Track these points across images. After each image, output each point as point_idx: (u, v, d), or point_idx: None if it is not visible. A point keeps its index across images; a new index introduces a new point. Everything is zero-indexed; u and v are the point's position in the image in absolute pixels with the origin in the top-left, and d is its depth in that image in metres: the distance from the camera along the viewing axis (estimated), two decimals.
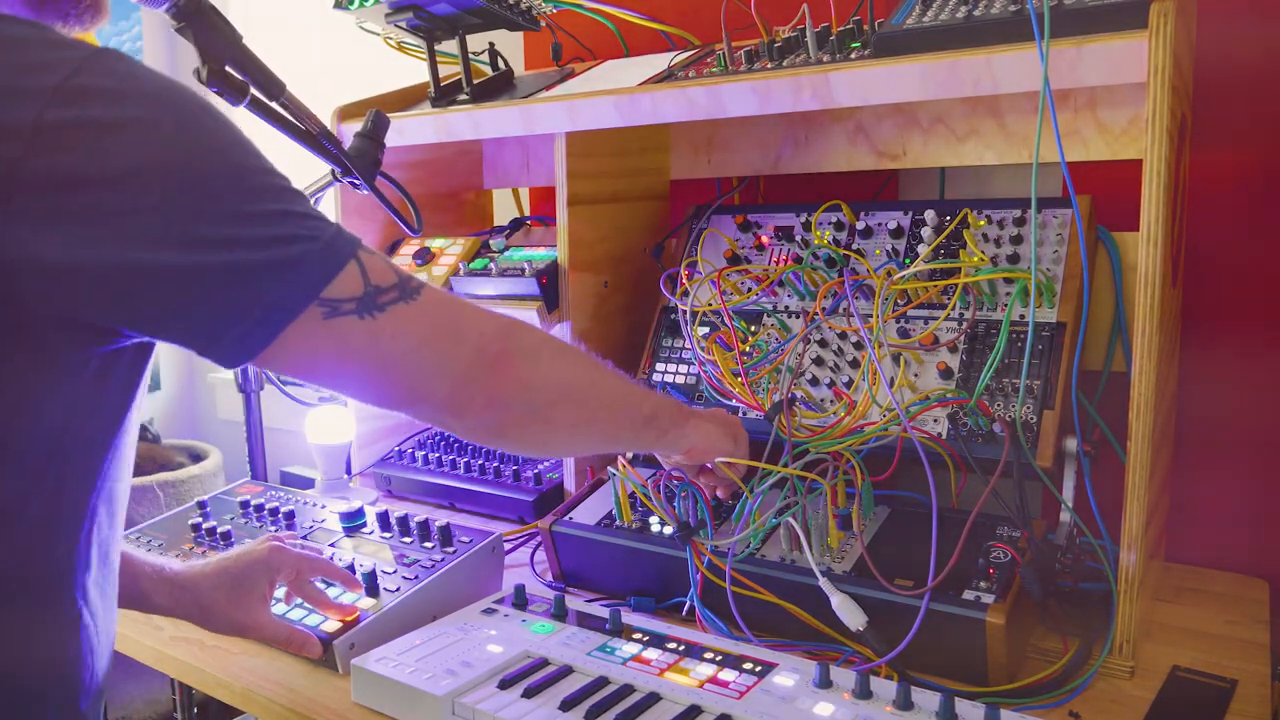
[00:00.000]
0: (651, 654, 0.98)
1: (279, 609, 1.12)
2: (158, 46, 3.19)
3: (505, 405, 0.84)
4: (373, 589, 1.12)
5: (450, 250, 1.61)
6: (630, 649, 0.99)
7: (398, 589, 1.12)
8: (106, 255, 0.66)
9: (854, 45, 1.18)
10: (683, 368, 1.38)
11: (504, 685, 0.93)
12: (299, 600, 1.12)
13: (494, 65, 1.62)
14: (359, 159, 1.29)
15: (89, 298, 0.68)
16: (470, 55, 1.54)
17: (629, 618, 1.06)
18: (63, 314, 0.68)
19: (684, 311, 1.31)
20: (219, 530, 1.31)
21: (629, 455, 1.36)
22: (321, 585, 1.13)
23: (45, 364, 0.70)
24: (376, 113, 1.33)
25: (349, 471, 1.69)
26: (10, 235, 0.63)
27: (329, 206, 1.56)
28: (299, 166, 1.42)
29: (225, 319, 0.71)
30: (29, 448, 0.72)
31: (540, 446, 1.01)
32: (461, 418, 0.83)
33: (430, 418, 0.85)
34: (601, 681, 0.94)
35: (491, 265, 1.50)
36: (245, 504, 1.42)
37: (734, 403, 1.25)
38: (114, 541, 0.83)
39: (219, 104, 0.82)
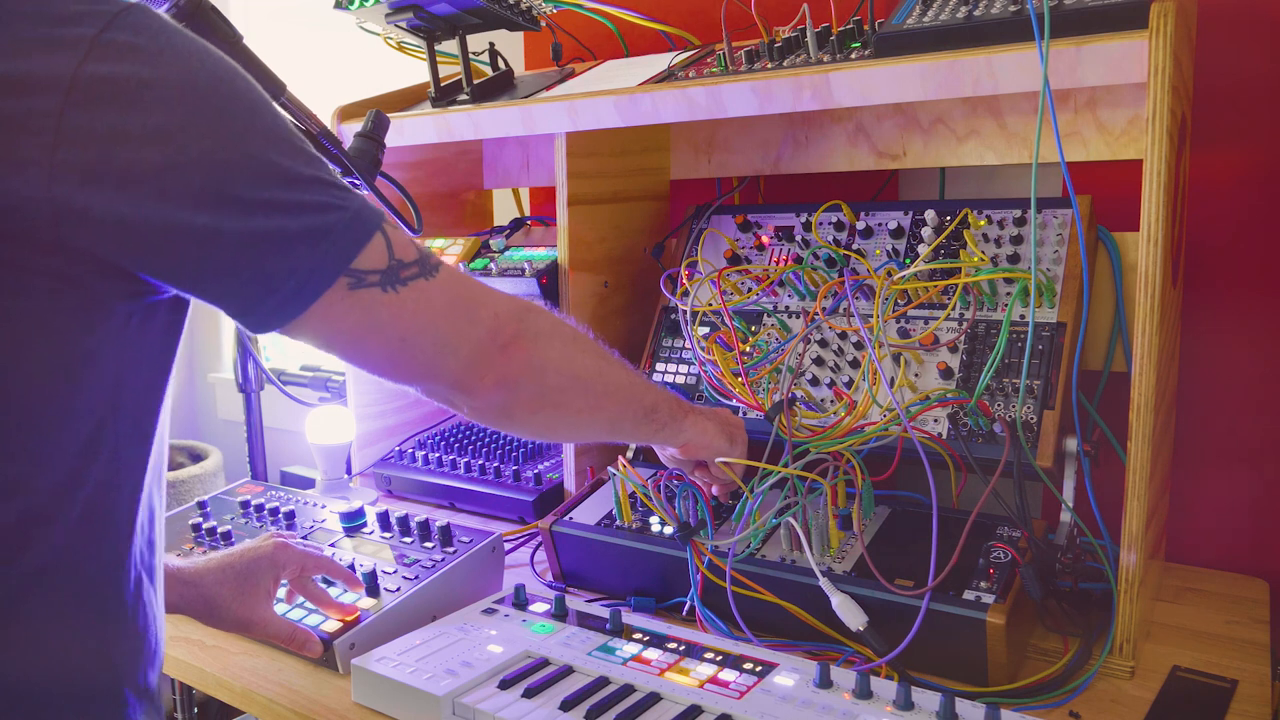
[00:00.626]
0: (652, 654, 0.98)
1: (279, 609, 1.12)
2: None
3: (516, 386, 0.85)
4: (373, 589, 1.12)
5: (450, 250, 1.61)
6: (630, 649, 0.99)
7: (398, 589, 1.12)
8: (147, 213, 0.66)
9: (854, 45, 1.18)
10: (683, 368, 1.38)
11: (504, 685, 0.93)
12: (300, 600, 1.12)
13: (494, 65, 1.62)
14: (359, 159, 1.29)
15: (131, 250, 0.68)
16: (470, 55, 1.54)
17: (629, 618, 1.06)
18: (109, 263, 0.69)
19: (684, 311, 1.31)
20: (219, 530, 1.31)
21: (629, 454, 1.36)
22: (323, 585, 1.13)
23: (95, 312, 0.71)
24: (376, 112, 1.33)
25: (349, 471, 1.69)
26: (57, 186, 0.64)
27: None
28: None
29: (262, 286, 0.71)
30: (88, 403, 0.72)
31: (546, 430, 1.00)
32: (471, 396, 0.83)
33: (441, 395, 0.85)
34: (602, 681, 0.94)
35: (491, 265, 1.51)
36: (245, 504, 1.42)
37: (734, 403, 1.25)
38: (161, 512, 0.83)
39: None
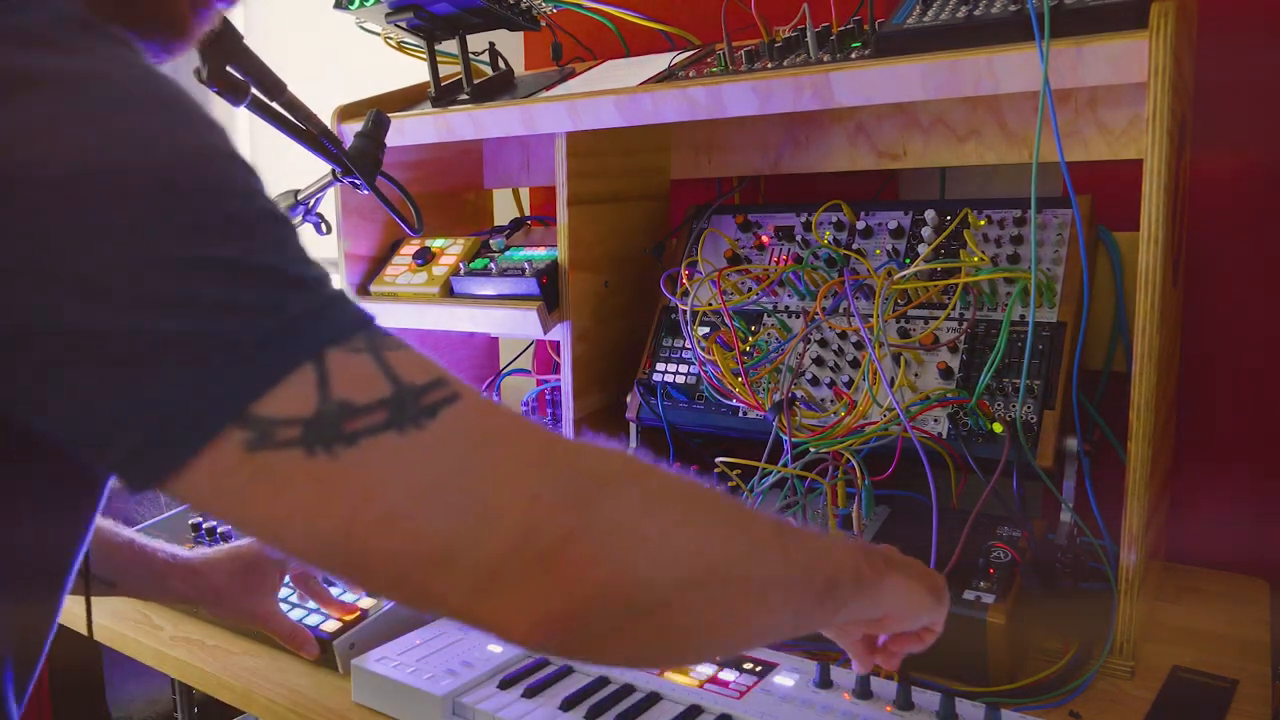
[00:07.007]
0: None
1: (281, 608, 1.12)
2: None
3: (581, 619, 0.49)
4: None
5: (450, 250, 1.61)
6: None
7: None
8: None
9: (854, 45, 1.18)
10: (683, 368, 1.38)
11: (504, 685, 0.93)
12: (305, 600, 1.12)
13: (494, 65, 1.62)
14: (359, 159, 1.29)
15: None
16: (470, 55, 1.54)
17: None
18: None
19: (684, 311, 1.31)
20: (219, 530, 1.31)
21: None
22: (324, 584, 1.13)
23: None
24: (377, 112, 1.33)
25: None
26: None
27: (329, 207, 1.56)
28: (300, 167, 1.42)
29: (113, 418, 0.45)
30: None
31: (653, 660, 0.70)
32: (507, 634, 0.50)
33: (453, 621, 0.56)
34: (601, 681, 0.94)
35: (491, 265, 1.50)
36: None
37: (734, 402, 1.25)
38: None
39: (218, 106, 0.81)
